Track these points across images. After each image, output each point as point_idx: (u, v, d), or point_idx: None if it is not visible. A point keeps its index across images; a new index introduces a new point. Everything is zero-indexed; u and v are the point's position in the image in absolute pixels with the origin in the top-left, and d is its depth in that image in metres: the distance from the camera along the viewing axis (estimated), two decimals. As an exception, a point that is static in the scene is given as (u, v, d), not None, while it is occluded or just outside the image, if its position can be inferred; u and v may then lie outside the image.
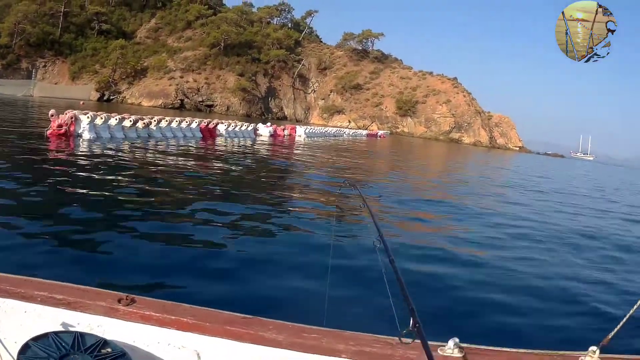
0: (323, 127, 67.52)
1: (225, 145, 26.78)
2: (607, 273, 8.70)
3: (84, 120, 20.03)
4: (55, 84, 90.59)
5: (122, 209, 8.96)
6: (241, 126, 36.02)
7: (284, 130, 43.49)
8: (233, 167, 16.99)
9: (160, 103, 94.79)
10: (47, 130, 18.75)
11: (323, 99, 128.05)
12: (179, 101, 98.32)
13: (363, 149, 44.16)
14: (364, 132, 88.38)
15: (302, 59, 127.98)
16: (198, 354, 2.31)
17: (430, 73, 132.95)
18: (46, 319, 2.36)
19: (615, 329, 2.30)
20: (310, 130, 49.85)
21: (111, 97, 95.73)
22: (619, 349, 2.37)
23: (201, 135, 28.96)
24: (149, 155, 18.59)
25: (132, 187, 11.40)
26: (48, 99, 65.24)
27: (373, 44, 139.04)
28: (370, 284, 5.29)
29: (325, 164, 23.67)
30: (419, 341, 2.23)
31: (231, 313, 2.42)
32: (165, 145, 22.06)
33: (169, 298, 2.52)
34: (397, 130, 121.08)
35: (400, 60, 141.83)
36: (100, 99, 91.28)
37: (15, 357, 2.08)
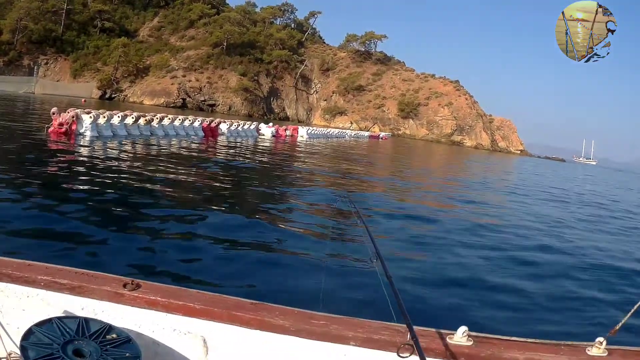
0: (325, 129, 67.54)
1: (227, 145, 26.74)
2: None
3: (86, 118, 19.89)
4: (57, 81, 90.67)
5: (122, 210, 8.93)
6: (243, 125, 36.02)
7: (286, 130, 43.52)
8: (232, 171, 16.92)
9: (162, 102, 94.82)
10: (48, 127, 18.66)
11: (325, 100, 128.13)
12: (180, 100, 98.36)
13: (364, 153, 44.03)
14: (366, 133, 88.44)
15: (304, 60, 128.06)
16: (204, 340, 2.28)
17: (433, 75, 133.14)
18: (50, 304, 2.32)
19: (622, 321, 2.31)
20: (312, 131, 49.87)
21: (113, 96, 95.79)
22: (626, 341, 2.39)
23: (203, 134, 28.96)
24: (149, 154, 18.58)
25: (132, 187, 11.37)
26: (49, 96, 65.35)
27: (376, 46, 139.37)
28: (367, 300, 5.17)
29: (326, 168, 23.61)
30: (427, 328, 2.24)
31: (239, 298, 2.38)
32: (167, 144, 22.04)
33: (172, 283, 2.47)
34: (399, 132, 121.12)
35: (403, 62, 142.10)
36: (102, 97, 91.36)
37: (19, 343, 2.03)
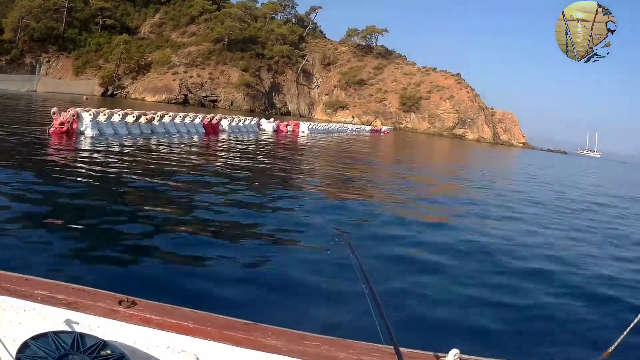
0: (326, 123, 67.34)
1: (227, 142, 26.74)
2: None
3: (86, 117, 19.94)
4: (59, 79, 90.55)
5: (121, 209, 8.97)
6: (244, 121, 35.98)
7: (287, 126, 43.42)
8: (232, 170, 16.94)
9: (164, 98, 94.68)
10: (49, 128, 18.71)
11: (327, 95, 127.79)
12: (182, 96, 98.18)
13: (366, 149, 43.79)
14: (368, 127, 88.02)
15: (306, 55, 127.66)
16: (197, 358, 2.31)
17: (434, 69, 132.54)
18: (46, 318, 2.36)
19: (616, 342, 2.32)
20: (314, 126, 49.74)
21: (115, 92, 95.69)
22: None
23: (204, 131, 28.97)
24: (150, 152, 18.61)
25: (131, 187, 11.42)
26: (52, 94, 65.30)
27: (377, 40, 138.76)
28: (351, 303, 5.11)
29: (325, 171, 23.51)
30: (416, 351, 2.25)
31: (231, 318, 2.42)
32: (167, 141, 22.07)
33: (169, 301, 2.52)
34: (401, 126, 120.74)
35: (404, 56, 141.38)
36: (103, 94, 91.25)
37: (14, 356, 2.08)
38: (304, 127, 45.77)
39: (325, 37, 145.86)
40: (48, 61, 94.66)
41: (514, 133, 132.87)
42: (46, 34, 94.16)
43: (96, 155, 15.29)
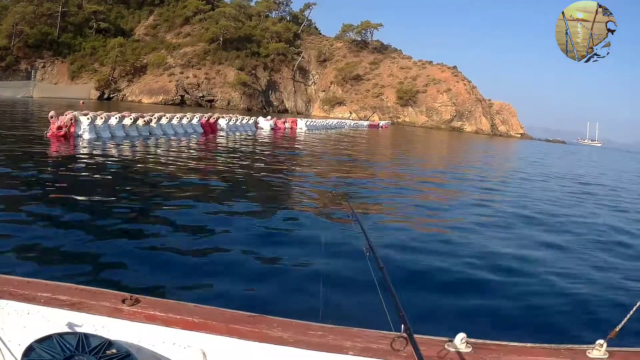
0: (324, 120, 67.35)
1: (225, 141, 26.73)
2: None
3: (84, 121, 19.96)
4: (55, 84, 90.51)
5: (120, 210, 8.96)
6: (242, 120, 35.99)
7: (284, 123, 43.43)
8: (230, 166, 16.94)
9: (160, 100, 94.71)
10: (46, 132, 18.71)
11: (324, 91, 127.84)
12: (179, 97, 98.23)
13: (364, 142, 43.83)
14: (366, 123, 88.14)
15: (301, 52, 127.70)
16: (204, 353, 2.31)
17: (430, 62, 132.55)
18: (50, 320, 2.36)
19: (622, 322, 2.30)
20: (311, 123, 49.75)
21: (111, 96, 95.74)
22: (626, 342, 2.36)
23: (202, 131, 28.94)
24: (149, 153, 18.60)
25: (131, 187, 11.41)
26: (48, 99, 65.27)
27: (372, 35, 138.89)
28: (361, 291, 5.19)
29: (323, 165, 23.57)
30: (422, 336, 2.25)
31: (236, 311, 2.42)
32: (166, 143, 22.04)
33: (172, 297, 2.51)
34: (399, 120, 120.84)
35: (400, 50, 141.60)
36: (100, 98, 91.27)
37: None
38: (301, 124, 45.78)
39: (320, 34, 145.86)
40: (43, 67, 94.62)
41: (512, 124, 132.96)
42: (41, 40, 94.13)
43: (94, 157, 15.25)
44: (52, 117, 18.97)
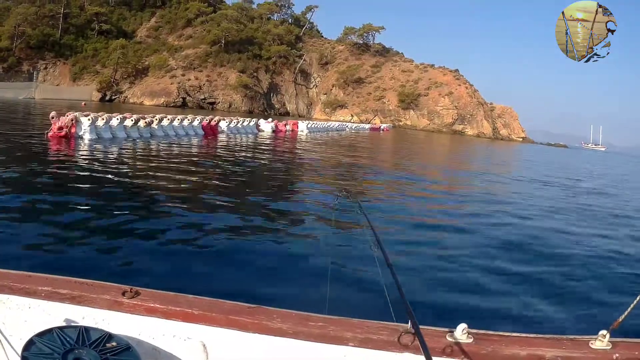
0: (325, 122, 67.32)
1: (226, 143, 26.71)
2: None
3: (85, 121, 19.96)
4: (57, 85, 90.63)
5: (120, 210, 8.96)
6: (243, 122, 35.97)
7: (285, 125, 43.35)
8: (230, 167, 16.94)
9: (162, 102, 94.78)
10: (47, 132, 18.71)
11: (325, 94, 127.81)
12: (181, 99, 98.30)
13: (366, 145, 43.79)
14: (367, 126, 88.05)
15: (303, 55, 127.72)
16: (204, 345, 2.30)
17: (432, 65, 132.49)
18: (51, 314, 2.36)
19: (625, 313, 2.28)
20: (313, 125, 49.71)
21: (113, 97, 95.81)
22: (629, 333, 2.36)
23: (203, 133, 28.93)
24: (149, 154, 18.59)
25: (131, 187, 11.41)
26: (50, 100, 65.28)
27: (374, 38, 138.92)
28: (366, 285, 5.21)
29: (324, 165, 23.54)
30: (425, 327, 2.24)
31: (236, 303, 2.41)
32: (167, 144, 22.04)
33: (172, 290, 2.50)
34: (400, 123, 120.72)
35: (402, 53, 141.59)
36: (102, 100, 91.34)
37: (21, 354, 2.06)
38: (302, 127, 45.72)
39: (322, 37, 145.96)
40: (45, 68, 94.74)
41: (514, 128, 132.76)
42: (43, 41, 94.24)
43: (94, 157, 15.26)
44: (53, 118, 18.98)
